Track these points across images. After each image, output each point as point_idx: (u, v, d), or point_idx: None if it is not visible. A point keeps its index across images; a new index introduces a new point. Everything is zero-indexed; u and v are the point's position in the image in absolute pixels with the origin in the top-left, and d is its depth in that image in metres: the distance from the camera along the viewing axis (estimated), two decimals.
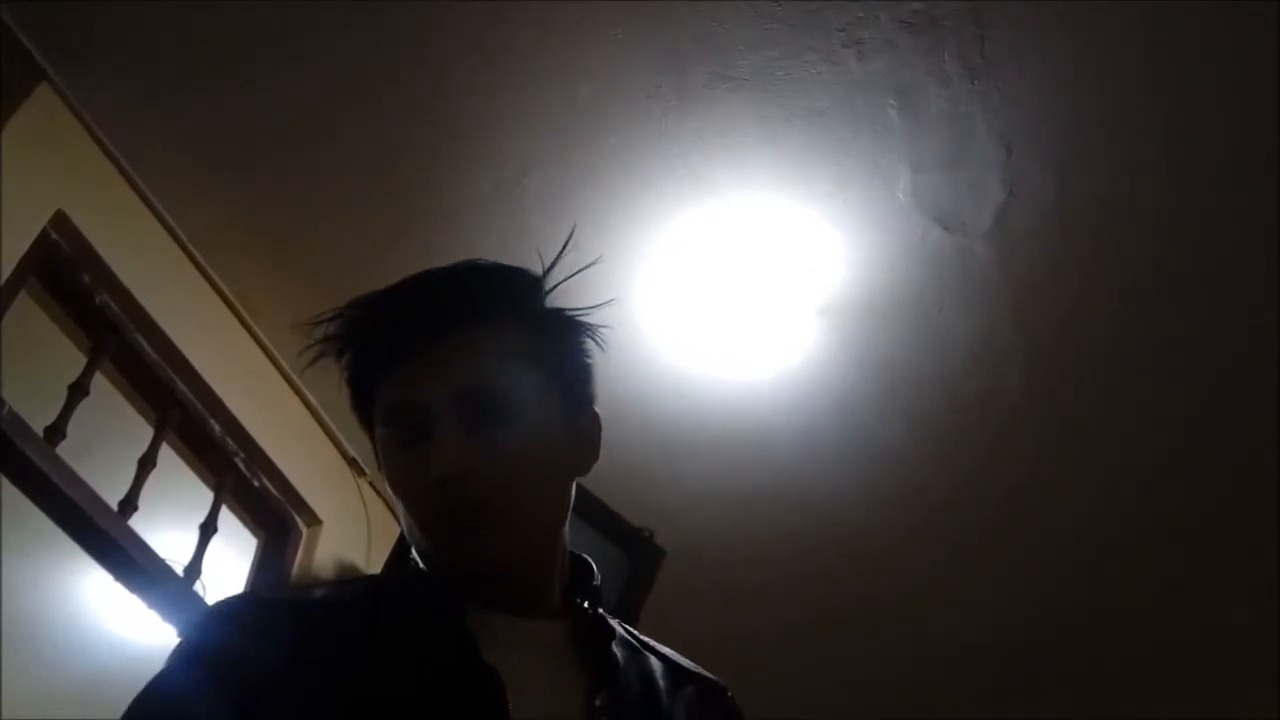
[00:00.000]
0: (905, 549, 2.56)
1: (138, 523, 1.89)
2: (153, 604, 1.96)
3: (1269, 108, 1.70)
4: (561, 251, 0.91)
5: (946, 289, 2.02)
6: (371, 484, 2.57)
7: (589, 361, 0.90)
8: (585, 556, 0.92)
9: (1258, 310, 1.97)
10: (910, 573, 2.63)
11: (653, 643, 0.95)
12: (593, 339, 0.91)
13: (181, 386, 2.03)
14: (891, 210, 1.91)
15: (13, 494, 1.75)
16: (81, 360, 1.90)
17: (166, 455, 2.04)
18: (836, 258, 2.00)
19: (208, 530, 2.08)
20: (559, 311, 0.89)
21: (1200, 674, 2.82)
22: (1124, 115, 1.75)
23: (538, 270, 0.90)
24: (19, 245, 1.70)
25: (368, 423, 0.91)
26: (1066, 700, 2.97)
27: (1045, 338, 2.08)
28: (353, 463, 2.50)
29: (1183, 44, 1.65)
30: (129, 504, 1.90)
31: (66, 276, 1.83)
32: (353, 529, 2.46)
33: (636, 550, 2.23)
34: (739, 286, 2.08)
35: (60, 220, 1.78)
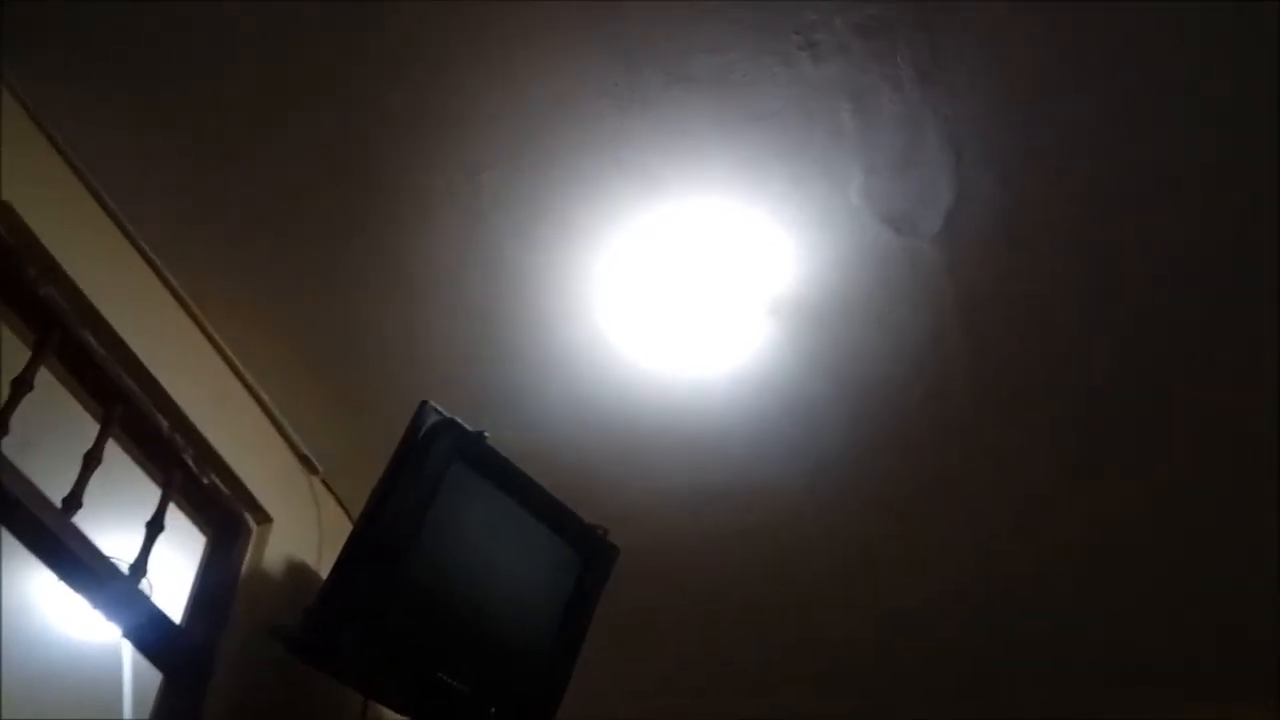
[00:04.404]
0: (853, 544, 2.59)
1: (82, 520, 1.86)
2: (97, 603, 1.93)
3: (1222, 117, 1.74)
4: None
5: (896, 290, 2.05)
6: (324, 481, 2.55)
7: None
8: None
9: (1209, 310, 2.01)
10: (858, 566, 2.67)
11: None
12: None
13: (129, 382, 2.00)
14: (843, 212, 1.94)
15: None
16: (25, 354, 1.86)
17: (113, 451, 2.00)
18: (788, 258, 2.02)
19: (154, 528, 2.05)
20: None
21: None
22: (1072, 122, 1.78)
23: None
24: None
25: None
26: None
27: (992, 340, 2.12)
28: (305, 460, 2.48)
29: (1132, 53, 1.68)
30: (73, 501, 1.87)
31: (10, 269, 1.80)
32: (304, 527, 2.44)
33: (590, 548, 2.24)
34: (692, 285, 2.09)
35: (5, 212, 1.74)
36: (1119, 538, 2.49)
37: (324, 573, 2.26)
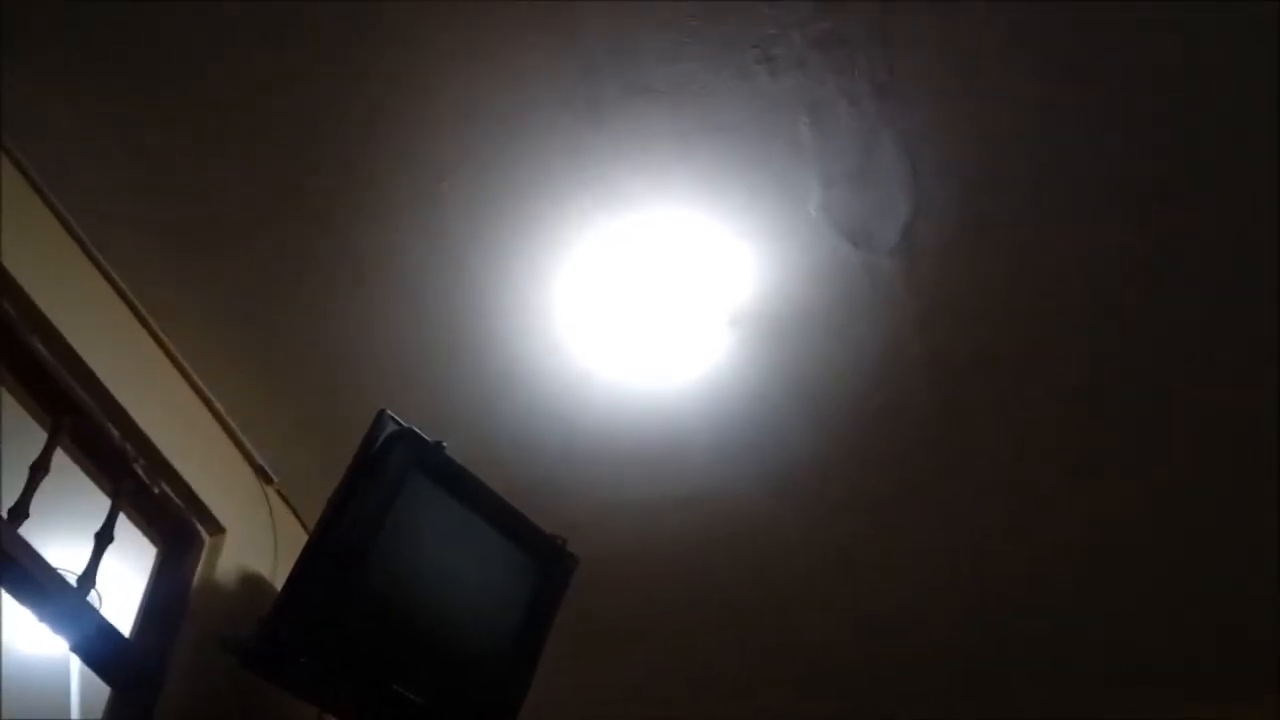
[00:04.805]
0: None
1: (29, 531, 1.83)
2: (44, 616, 1.89)
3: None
4: None
5: (854, 303, 2.07)
6: (279, 491, 2.52)
7: None
8: None
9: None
10: (818, 577, 2.68)
11: None
12: None
13: (79, 392, 1.97)
14: (802, 225, 1.96)
15: None
16: None
17: (61, 460, 1.97)
18: (748, 270, 2.03)
19: (103, 539, 2.02)
20: None
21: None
22: (1026, 138, 1.81)
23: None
24: None
25: None
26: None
27: (950, 352, 2.14)
28: (259, 470, 2.45)
29: (1086, 71, 1.71)
30: (20, 511, 1.83)
31: None
32: (258, 538, 2.41)
33: (549, 557, 2.24)
34: (652, 296, 2.10)
35: None
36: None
37: (278, 584, 2.24)
